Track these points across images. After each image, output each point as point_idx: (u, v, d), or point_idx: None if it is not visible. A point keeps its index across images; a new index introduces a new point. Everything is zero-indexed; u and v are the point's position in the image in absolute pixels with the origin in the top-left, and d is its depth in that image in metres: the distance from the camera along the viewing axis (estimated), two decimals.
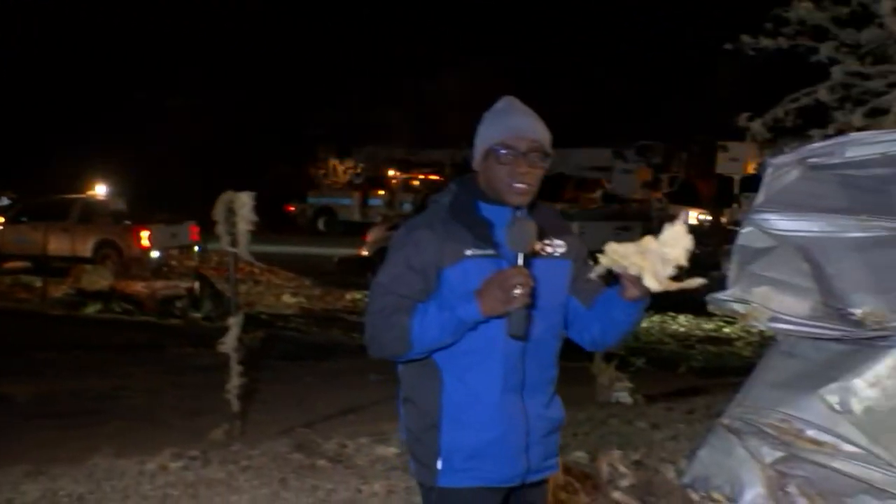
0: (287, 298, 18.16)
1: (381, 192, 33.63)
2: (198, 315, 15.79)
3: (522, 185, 2.93)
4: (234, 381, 7.63)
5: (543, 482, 3.18)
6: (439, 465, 2.99)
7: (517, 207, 2.96)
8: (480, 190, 3.03)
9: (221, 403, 7.74)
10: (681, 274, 2.97)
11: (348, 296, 18.83)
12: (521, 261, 2.85)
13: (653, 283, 2.84)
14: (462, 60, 37.65)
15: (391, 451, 6.69)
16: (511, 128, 2.97)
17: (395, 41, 40.72)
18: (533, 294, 2.85)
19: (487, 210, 3.00)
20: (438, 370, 2.99)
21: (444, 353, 2.96)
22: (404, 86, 38.99)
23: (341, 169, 36.21)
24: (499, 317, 2.86)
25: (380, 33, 41.23)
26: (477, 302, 2.82)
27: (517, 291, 2.78)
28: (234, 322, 7.70)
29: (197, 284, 16.82)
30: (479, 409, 2.97)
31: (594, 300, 3.13)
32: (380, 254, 20.17)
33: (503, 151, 2.93)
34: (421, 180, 31.14)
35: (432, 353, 2.96)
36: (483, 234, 2.96)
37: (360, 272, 20.14)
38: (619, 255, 2.87)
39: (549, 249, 3.04)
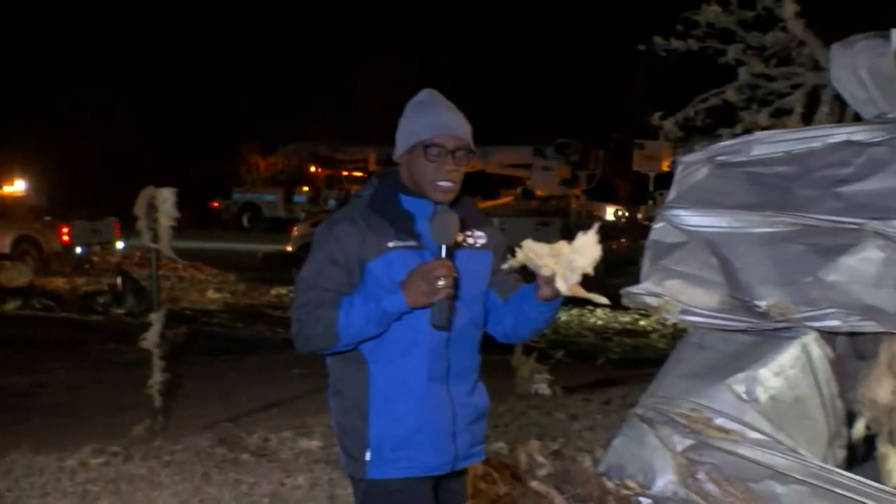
0: (211, 294, 17.93)
1: (306, 189, 33.41)
2: (120, 311, 15.48)
3: (448, 184, 2.93)
4: (157, 377, 7.50)
5: (465, 471, 3.18)
6: (368, 456, 2.97)
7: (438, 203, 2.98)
8: (402, 183, 3.01)
9: (144, 399, 7.61)
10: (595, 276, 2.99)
11: (273, 291, 18.67)
12: (444, 253, 2.86)
13: (562, 287, 2.87)
14: (385, 58, 37.58)
15: (315, 444, 6.65)
16: (440, 126, 2.95)
17: (318, 38, 40.48)
18: (456, 285, 2.87)
19: (409, 202, 2.99)
20: (365, 361, 2.97)
21: (371, 344, 2.94)
22: (328, 83, 38.78)
23: (264, 165, 35.88)
24: (423, 307, 2.86)
25: (304, 30, 40.92)
26: (402, 293, 2.83)
27: (441, 283, 2.80)
28: (157, 318, 7.56)
29: (119, 280, 16.49)
30: (406, 398, 2.96)
31: (510, 294, 3.13)
32: (304, 249, 20.10)
33: (432, 149, 2.92)
34: (345, 176, 31.01)
35: (359, 344, 2.95)
36: (405, 226, 2.95)
37: (284, 268, 20.00)
38: (533, 253, 2.90)
39: (470, 241, 3.03)
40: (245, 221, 35.01)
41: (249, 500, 5.45)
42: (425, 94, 3.08)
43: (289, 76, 40.35)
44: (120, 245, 21.88)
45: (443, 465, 3.02)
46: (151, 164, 29.62)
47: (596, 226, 2.99)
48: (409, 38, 41.08)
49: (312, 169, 33.54)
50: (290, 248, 20.29)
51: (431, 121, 2.96)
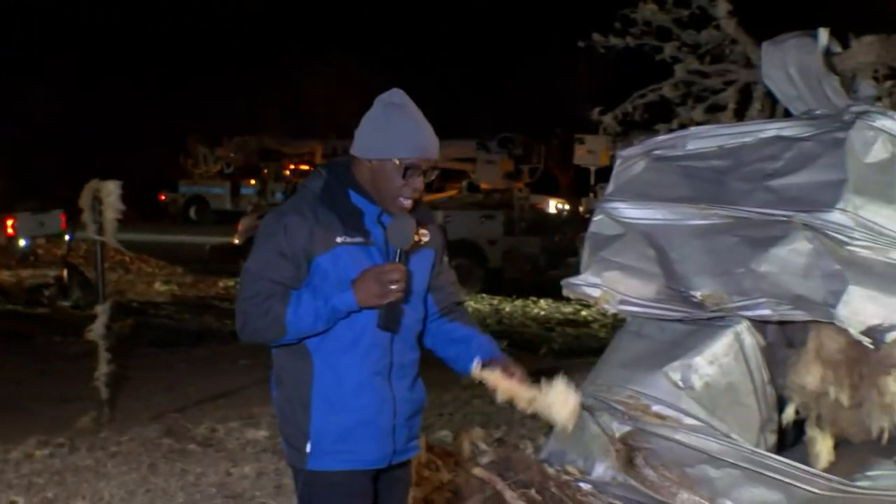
0: (159, 286, 17.70)
1: (253, 182, 33.13)
2: (66, 303, 15.22)
3: (410, 202, 2.94)
4: (103, 369, 7.41)
5: (408, 463, 3.18)
6: (308, 447, 2.95)
7: None
8: (353, 179, 2.97)
9: (90, 391, 7.52)
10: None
11: (220, 283, 18.49)
12: (398, 256, 2.86)
13: (520, 403, 2.98)
14: (330, 52, 37.38)
15: (261, 434, 6.62)
16: (420, 148, 2.93)
17: (264, 32, 40.12)
18: (406, 289, 2.89)
19: (358, 200, 2.96)
20: (309, 354, 2.94)
21: (315, 339, 2.92)
22: (274, 77, 38.44)
23: (212, 159, 35.52)
24: (371, 308, 2.86)
25: (249, 23, 40.51)
26: (352, 293, 2.82)
27: (393, 287, 2.81)
28: (103, 309, 7.47)
29: (65, 273, 16.21)
30: (349, 392, 2.94)
31: (444, 309, 3.19)
32: (251, 242, 19.83)
33: (409, 171, 2.90)
34: (292, 170, 30.78)
35: (305, 338, 2.93)
36: (354, 222, 2.92)
37: (232, 260, 19.78)
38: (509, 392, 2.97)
39: (424, 240, 3.04)
40: (192, 214, 34.67)
41: (196, 490, 5.41)
42: (398, 98, 3.01)
43: (235, 70, 39.91)
44: (66, 237, 21.48)
45: (381, 460, 3.01)
46: (97, 157, 29.09)
47: (562, 379, 3.00)
48: (353, 32, 40.88)
49: (259, 163, 33.27)
50: (237, 241, 20.06)
51: (413, 142, 2.93)
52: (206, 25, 39.98)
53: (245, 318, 2.91)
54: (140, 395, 8.54)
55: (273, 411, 3.21)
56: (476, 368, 2.99)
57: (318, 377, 2.94)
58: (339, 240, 2.88)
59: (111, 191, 7.27)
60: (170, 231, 28.71)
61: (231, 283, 18.30)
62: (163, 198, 35.59)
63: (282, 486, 5.41)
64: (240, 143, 33.91)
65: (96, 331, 7.44)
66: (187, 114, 37.03)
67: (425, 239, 3.04)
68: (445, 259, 3.19)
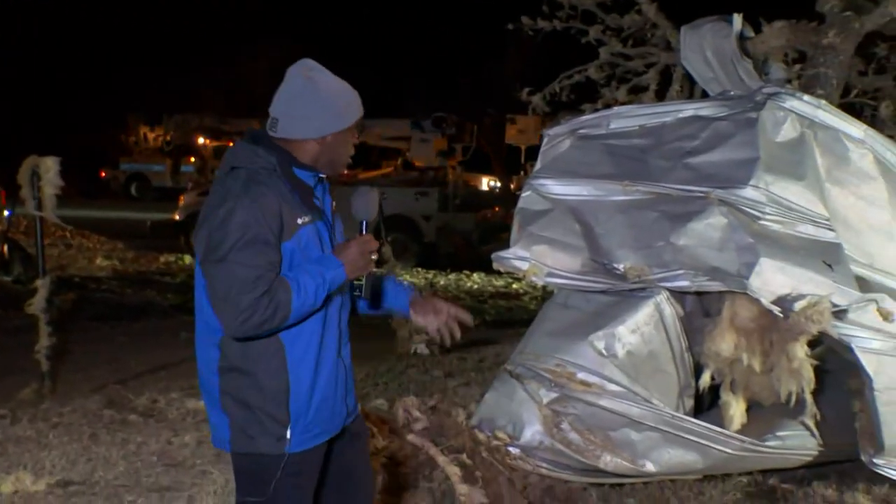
0: (100, 261, 17.32)
1: (193, 160, 32.67)
2: (7, 279, 14.83)
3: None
4: (44, 342, 7.23)
5: (358, 416, 3.20)
6: (288, 433, 2.86)
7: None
8: (293, 157, 2.89)
9: (31, 364, 7.33)
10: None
11: (162, 258, 18.20)
12: (365, 228, 2.91)
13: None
14: (268, 31, 36.89)
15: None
16: (360, 106, 2.99)
17: (202, 10, 39.38)
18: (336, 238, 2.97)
19: (304, 175, 2.90)
20: (281, 339, 2.84)
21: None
22: (214, 55, 37.82)
23: (152, 136, 34.92)
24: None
25: (189, 1, 39.71)
26: (343, 267, 2.82)
27: (373, 257, 2.89)
28: (43, 283, 7.30)
29: (6, 248, 15.79)
30: (321, 370, 2.91)
31: None
32: (192, 218, 19.64)
33: (356, 128, 2.98)
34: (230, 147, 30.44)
35: None
36: (308, 201, 2.88)
37: (173, 236, 19.54)
38: None
39: (334, 204, 3.06)
40: (133, 191, 34.12)
41: (137, 459, 5.33)
42: (314, 66, 2.96)
43: (175, 48, 39.14)
44: (5, 213, 20.91)
45: (340, 425, 3.03)
46: (38, 134, 28.39)
47: None
48: (290, 11, 40.37)
49: (200, 140, 32.80)
50: (177, 217, 19.76)
51: (356, 103, 2.98)
52: (146, 3, 39.15)
53: (251, 313, 2.70)
54: (81, 368, 8.35)
55: (214, 403, 2.97)
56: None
57: (292, 362, 2.86)
58: (299, 221, 2.82)
59: (50, 167, 7.08)
60: (111, 207, 28.15)
61: (172, 258, 18.06)
62: (104, 175, 34.95)
63: (221, 455, 5.34)
64: (180, 121, 33.33)
65: (37, 305, 7.25)
66: (128, 91, 36.32)
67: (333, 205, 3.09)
68: None
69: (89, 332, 10.38)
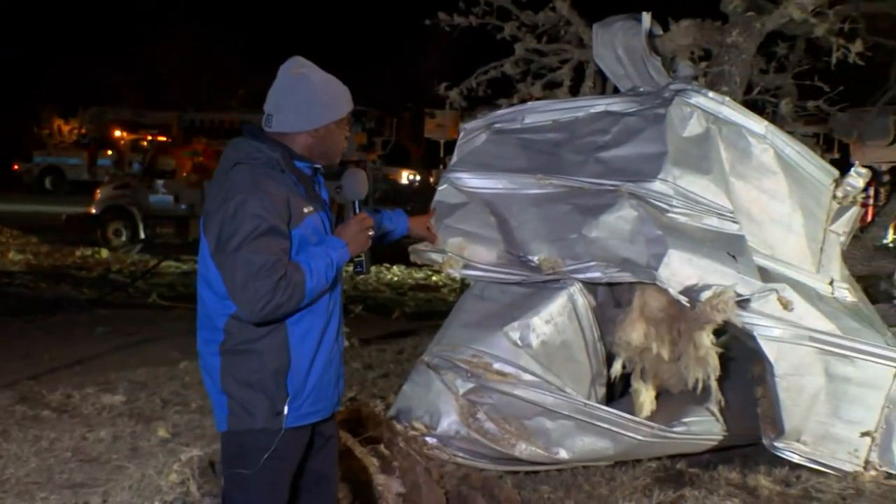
0: (13, 255, 16.77)
1: (110, 153, 31.93)
2: None
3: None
4: None
5: (333, 416, 3.21)
6: (286, 409, 2.95)
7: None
8: (290, 149, 3.01)
9: None
10: None
11: (78, 253, 17.70)
12: (357, 207, 3.04)
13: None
14: (183, 25, 36.21)
15: (118, 398, 6.41)
16: (350, 98, 3.12)
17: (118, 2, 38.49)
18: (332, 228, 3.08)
19: (303, 167, 3.03)
20: (285, 322, 2.94)
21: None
22: (130, 48, 36.98)
23: (66, 129, 34.00)
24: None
25: None
26: (346, 247, 2.97)
27: (371, 234, 3.06)
28: None
29: None
30: (320, 351, 3.00)
31: None
32: (108, 211, 19.19)
33: (347, 118, 3.11)
34: (149, 141, 29.79)
35: None
36: (311, 192, 3.01)
37: (88, 229, 19.05)
38: None
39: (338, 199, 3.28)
40: (48, 184, 33.19)
41: (50, 455, 5.19)
42: (304, 62, 3.11)
43: (90, 40, 38.12)
44: None
45: (329, 409, 3.11)
46: None
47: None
48: (207, 6, 39.68)
49: (116, 133, 32.06)
50: (93, 210, 19.27)
51: (346, 95, 3.10)
52: None
53: (270, 297, 2.80)
54: None
55: (215, 383, 3.02)
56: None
57: (293, 342, 2.96)
58: (305, 210, 2.94)
59: None
60: (24, 201, 27.30)
61: (88, 252, 17.60)
62: (16, 168, 33.92)
63: (138, 449, 5.25)
64: (95, 114, 32.54)
65: None
66: (41, 83, 35.27)
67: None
68: None
69: (1, 326, 10.06)
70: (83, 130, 33.27)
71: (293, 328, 2.95)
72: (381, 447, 4.44)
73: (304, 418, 3.00)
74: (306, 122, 3.01)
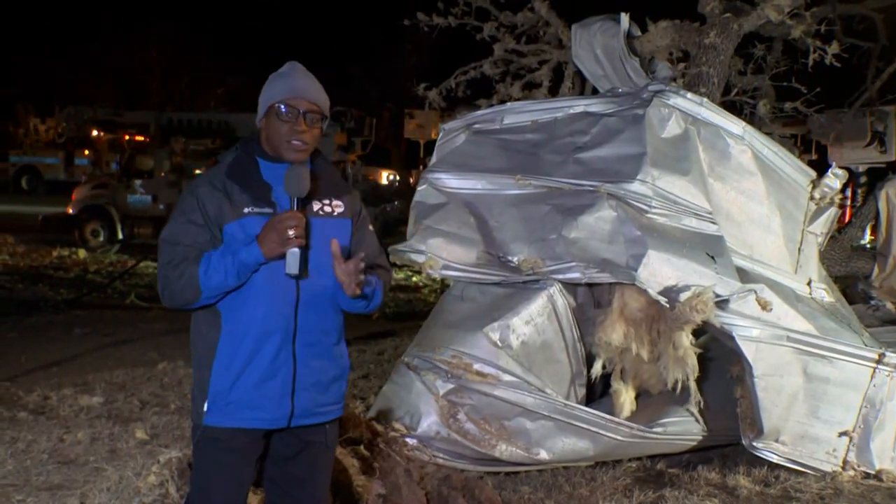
0: None
1: (87, 152, 31.70)
2: None
3: (299, 143, 2.94)
4: None
5: (320, 425, 3.06)
6: (205, 406, 2.93)
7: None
8: (262, 148, 2.99)
9: None
10: None
11: (55, 253, 17.53)
12: (295, 205, 2.87)
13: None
14: (162, 25, 36.02)
15: (96, 400, 6.35)
16: (292, 88, 2.97)
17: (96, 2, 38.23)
18: (308, 238, 2.89)
19: (268, 169, 2.97)
20: (219, 318, 2.93)
21: (226, 303, 2.92)
22: (108, 48, 36.73)
23: (43, 128, 33.71)
24: (279, 260, 2.85)
25: None
26: (257, 245, 2.83)
27: (291, 232, 2.82)
28: None
29: None
30: (246, 354, 2.91)
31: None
32: (86, 211, 19.04)
33: (284, 109, 2.93)
34: (127, 140, 29.62)
35: (219, 298, 2.91)
36: (264, 196, 2.94)
37: (66, 230, 18.88)
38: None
39: (327, 209, 3.01)
40: (24, 184, 32.89)
41: (27, 457, 5.14)
42: (287, 67, 3.08)
43: (66, 39, 37.85)
44: None
45: (275, 421, 2.96)
46: None
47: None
48: (188, 3, 39.53)
49: (94, 133, 31.83)
50: (71, 211, 19.11)
51: (286, 86, 2.98)
52: None
53: (164, 282, 2.91)
54: None
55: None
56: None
57: (223, 340, 2.93)
58: (246, 210, 2.90)
59: None
60: (0, 201, 27.05)
61: (66, 252, 17.45)
62: None
63: (116, 451, 5.20)
64: (72, 113, 32.29)
65: None
66: (16, 82, 34.97)
67: (339, 210, 3.04)
68: (370, 228, 3.20)
69: None
70: (60, 130, 32.98)
71: (227, 326, 2.93)
72: (362, 448, 4.42)
73: (230, 421, 2.93)
74: (258, 117, 3.03)
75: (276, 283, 2.90)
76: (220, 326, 2.94)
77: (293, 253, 2.84)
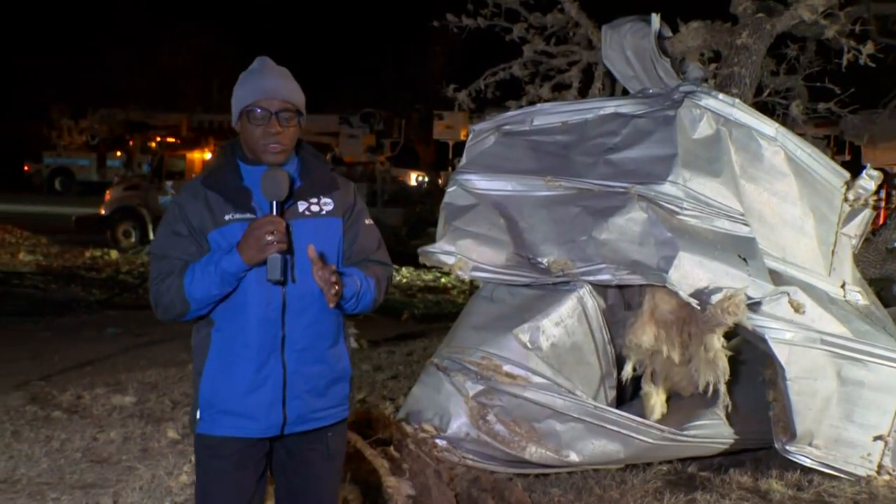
0: (23, 256, 16.81)
1: (119, 154, 32.03)
2: None
3: (276, 146, 2.85)
4: None
5: (321, 430, 2.99)
6: (198, 414, 2.92)
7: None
8: (242, 152, 2.91)
9: None
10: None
11: (87, 253, 17.74)
12: (274, 209, 2.79)
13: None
14: (195, 26, 36.30)
15: (128, 399, 6.42)
16: (263, 89, 2.86)
17: (128, 3, 38.58)
18: (293, 240, 2.82)
19: (248, 172, 2.89)
20: (210, 328, 2.90)
21: (218, 313, 2.88)
22: (140, 49, 37.09)
23: (76, 130, 34.10)
24: (261, 266, 2.78)
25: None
26: (237, 253, 2.76)
27: (270, 237, 2.74)
28: None
29: None
30: (234, 363, 2.87)
31: (352, 264, 3.02)
32: (118, 213, 19.24)
33: (256, 112, 2.83)
34: (158, 142, 29.89)
35: (212, 308, 2.86)
36: (243, 201, 2.86)
37: (98, 230, 19.10)
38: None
39: (314, 209, 2.92)
40: (57, 185, 33.31)
41: (61, 456, 5.21)
42: (256, 63, 2.96)
43: (100, 41, 38.24)
44: None
45: (267, 430, 2.91)
46: None
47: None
48: (218, 6, 39.79)
49: (126, 135, 32.16)
50: (103, 212, 19.32)
51: (255, 86, 2.87)
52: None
53: (155, 297, 2.87)
54: (3, 364, 8.09)
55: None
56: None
57: (213, 348, 2.89)
58: (227, 217, 2.83)
59: None
60: (34, 202, 27.39)
61: (98, 253, 17.64)
62: (28, 169, 34.05)
63: (148, 450, 5.25)
64: (105, 115, 32.65)
65: None
66: (51, 84, 35.38)
67: (327, 208, 2.94)
68: (366, 222, 3.08)
69: (11, 327, 10.08)
70: (93, 132, 33.36)
71: (217, 335, 2.89)
72: (391, 449, 4.43)
73: (222, 429, 2.90)
74: (233, 119, 2.94)
75: (262, 290, 2.83)
76: (210, 334, 2.90)
77: (273, 258, 2.77)
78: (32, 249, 17.78)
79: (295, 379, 2.90)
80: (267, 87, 2.87)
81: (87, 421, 5.93)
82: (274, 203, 2.80)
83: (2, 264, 15.61)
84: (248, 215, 2.84)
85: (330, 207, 2.95)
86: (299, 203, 2.90)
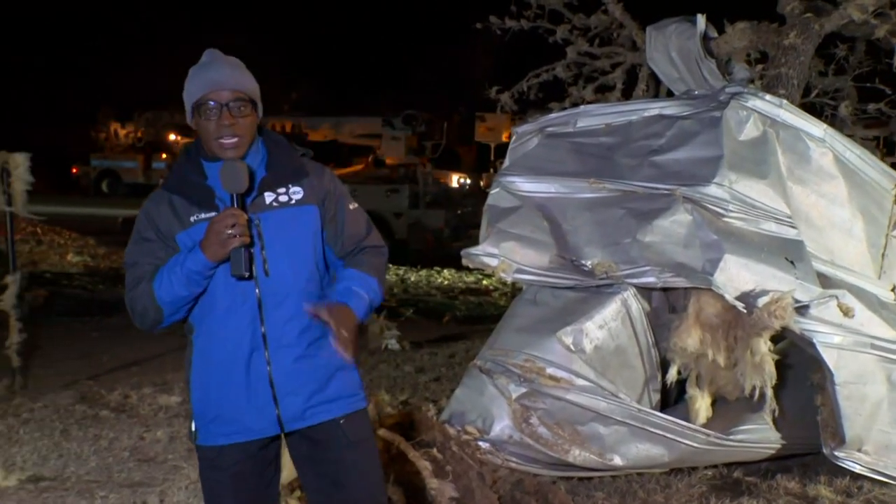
0: (71, 257, 17.07)
1: (165, 156, 32.42)
2: None
3: (230, 140, 2.74)
4: (14, 337, 7.14)
5: (333, 421, 2.86)
6: (193, 425, 2.86)
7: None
8: (202, 149, 2.82)
9: (2, 360, 7.24)
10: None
11: None
12: (235, 202, 2.72)
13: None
14: (238, 29, 36.68)
15: (174, 399, 6.51)
16: (211, 81, 2.75)
17: (174, 6, 39.04)
18: (262, 233, 2.74)
19: (211, 169, 2.80)
20: (192, 337, 2.84)
21: (195, 319, 2.81)
22: (185, 52, 37.53)
23: (123, 132, 34.58)
24: (226, 263, 2.71)
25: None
26: (200, 250, 2.69)
27: (230, 231, 2.66)
28: (13, 280, 7.21)
29: None
30: (216, 369, 2.79)
31: (345, 255, 2.96)
32: None
33: (209, 104, 2.74)
34: None
35: (188, 311, 2.79)
36: (205, 199, 2.78)
37: None
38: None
39: (283, 199, 2.81)
40: (104, 187, 33.78)
41: (109, 454, 5.30)
42: (204, 56, 2.86)
43: (147, 44, 38.83)
44: None
45: (264, 430, 2.82)
46: (8, 130, 28.02)
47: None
48: (262, 9, 40.16)
49: (172, 137, 32.55)
50: None
51: (203, 79, 2.77)
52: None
53: (130, 305, 2.79)
54: (53, 364, 8.25)
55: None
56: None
57: (195, 355, 2.84)
58: (192, 219, 2.77)
59: (19, 163, 7.02)
60: (82, 204, 27.81)
61: None
62: (76, 171, 34.59)
63: (193, 450, 5.28)
64: (151, 118, 33.09)
65: (7, 300, 7.17)
66: (99, 87, 35.93)
67: (297, 197, 2.83)
68: (351, 206, 2.95)
69: (61, 327, 10.25)
70: (139, 134, 33.80)
71: (197, 341, 2.83)
72: (434, 451, 4.43)
73: (219, 438, 2.82)
74: (187, 117, 2.85)
75: (233, 288, 2.75)
76: (192, 342, 2.84)
77: (237, 252, 2.68)
78: (80, 250, 18.05)
79: (283, 376, 2.79)
80: (215, 78, 2.76)
81: (134, 420, 6.02)
82: (234, 196, 2.72)
83: (51, 265, 15.86)
84: (212, 213, 2.75)
85: (300, 196, 2.84)
86: (266, 194, 2.80)
